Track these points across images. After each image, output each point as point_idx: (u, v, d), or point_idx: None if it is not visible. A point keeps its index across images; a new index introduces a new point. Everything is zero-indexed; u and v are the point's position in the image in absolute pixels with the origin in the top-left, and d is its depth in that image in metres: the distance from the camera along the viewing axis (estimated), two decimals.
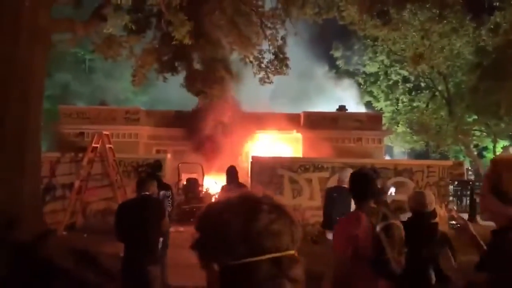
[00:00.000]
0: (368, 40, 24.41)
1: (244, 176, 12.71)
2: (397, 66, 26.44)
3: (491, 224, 2.08)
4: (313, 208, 10.42)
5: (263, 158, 11.95)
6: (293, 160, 12.92)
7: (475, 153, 24.59)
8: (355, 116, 19.87)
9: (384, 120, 23.02)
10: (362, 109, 25.93)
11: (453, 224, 2.80)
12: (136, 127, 18.54)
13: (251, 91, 17.71)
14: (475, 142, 24.45)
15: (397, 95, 27.44)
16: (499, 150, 22.50)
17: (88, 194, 11.15)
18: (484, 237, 2.26)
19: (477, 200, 11.79)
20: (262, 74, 12.50)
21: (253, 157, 11.91)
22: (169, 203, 6.95)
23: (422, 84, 26.76)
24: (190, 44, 10.37)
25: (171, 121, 18.73)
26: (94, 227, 10.26)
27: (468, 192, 15.34)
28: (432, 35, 14.74)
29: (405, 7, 11.01)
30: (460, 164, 19.94)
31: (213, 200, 9.43)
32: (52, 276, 6.06)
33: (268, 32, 12.10)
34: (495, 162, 2.13)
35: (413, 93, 27.28)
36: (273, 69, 12.44)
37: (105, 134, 11.32)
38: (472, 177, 21.02)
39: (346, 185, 5.26)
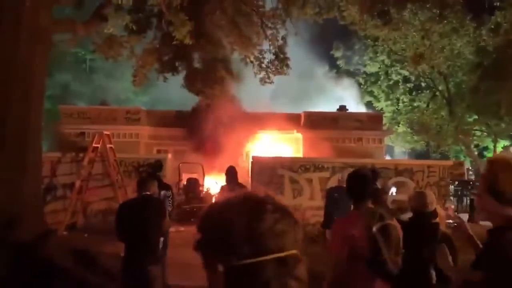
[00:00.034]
0: (369, 40, 24.41)
1: (245, 176, 12.72)
2: (397, 66, 26.43)
3: (491, 224, 2.09)
4: (314, 208, 10.43)
5: (264, 158, 11.96)
6: (294, 160, 12.93)
7: (476, 153, 24.57)
8: (355, 116, 19.87)
9: (384, 120, 23.03)
10: (362, 109, 25.94)
11: (450, 222, 2.81)
12: (137, 127, 18.56)
13: (251, 91, 17.71)
14: (475, 142, 24.43)
15: (398, 95, 27.42)
16: (499, 150, 22.49)
17: (89, 194, 11.16)
18: (483, 236, 2.26)
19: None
20: (262, 74, 12.49)
21: (253, 157, 11.92)
22: (170, 203, 6.97)
23: (423, 84, 26.74)
24: (190, 44, 10.37)
25: (171, 121, 18.75)
26: (95, 227, 10.27)
27: (469, 192, 15.35)
28: (432, 35, 14.75)
29: (406, 7, 11.01)
30: (461, 164, 19.91)
31: (213, 200, 9.45)
32: (52, 276, 6.07)
33: (269, 32, 12.10)
34: (491, 162, 2.14)
35: (414, 93, 27.26)
36: (273, 69, 12.44)
37: (106, 134, 11.34)
38: (473, 177, 21.00)
39: None
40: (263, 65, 12.47)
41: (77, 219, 10.97)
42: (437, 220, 3.88)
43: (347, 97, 26.19)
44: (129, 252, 4.91)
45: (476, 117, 22.19)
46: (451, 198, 14.29)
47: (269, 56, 12.50)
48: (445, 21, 13.47)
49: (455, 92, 23.90)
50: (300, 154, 18.22)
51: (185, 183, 14.37)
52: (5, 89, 7.04)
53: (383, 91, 28.08)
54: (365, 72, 29.36)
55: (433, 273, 3.89)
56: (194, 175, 14.89)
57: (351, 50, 30.33)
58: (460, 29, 17.40)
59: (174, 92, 19.17)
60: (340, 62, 31.24)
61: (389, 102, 27.84)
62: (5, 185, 6.80)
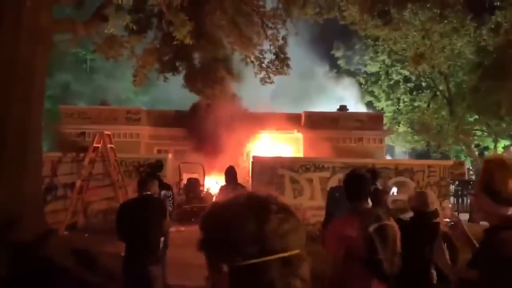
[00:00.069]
0: (369, 40, 24.42)
1: (245, 176, 12.74)
2: (398, 66, 26.44)
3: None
4: (314, 208, 10.43)
5: (264, 158, 11.96)
6: (294, 160, 12.93)
7: (476, 153, 24.56)
8: (356, 116, 19.88)
9: (385, 120, 23.04)
10: (363, 109, 25.94)
11: (448, 221, 2.81)
12: (137, 127, 18.58)
13: (252, 91, 17.72)
14: (476, 142, 24.43)
15: (398, 95, 27.43)
16: (500, 150, 22.49)
17: (90, 194, 11.17)
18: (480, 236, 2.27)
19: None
20: (263, 74, 12.49)
21: (254, 157, 11.93)
22: (170, 203, 6.98)
23: (423, 84, 26.74)
24: (191, 44, 10.37)
25: (172, 121, 18.76)
26: (96, 227, 10.29)
27: (469, 192, 15.35)
28: (433, 34, 14.73)
29: (406, 7, 11.00)
30: (461, 164, 19.93)
31: (213, 200, 9.45)
32: (53, 276, 6.07)
33: (269, 32, 12.10)
34: (487, 162, 2.15)
35: (414, 93, 27.27)
36: (274, 69, 12.44)
37: (106, 134, 11.35)
38: (473, 177, 21.00)
39: None
40: (264, 65, 12.47)
41: (78, 219, 10.98)
42: (438, 220, 3.88)
43: (348, 97, 26.20)
44: (129, 252, 4.92)
45: (476, 117, 22.19)
46: (450, 197, 14.28)
47: (269, 56, 12.51)
48: (446, 21, 13.46)
49: (455, 92, 23.91)
50: (300, 154, 18.22)
51: (185, 183, 14.38)
52: (6, 89, 7.04)
53: (383, 91, 28.09)
54: (365, 72, 29.37)
55: (434, 273, 3.89)
56: (194, 175, 14.90)
57: (352, 50, 30.33)
58: (461, 29, 17.38)
59: (174, 92, 19.17)
60: (341, 62, 31.24)
61: (389, 102, 27.85)
62: (5, 185, 6.81)
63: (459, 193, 16.31)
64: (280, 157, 13.42)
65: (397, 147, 29.26)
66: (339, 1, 11.40)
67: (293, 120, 18.93)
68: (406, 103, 27.17)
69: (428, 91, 26.71)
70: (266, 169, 11.17)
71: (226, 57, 15.17)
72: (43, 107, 7.99)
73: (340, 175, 6.94)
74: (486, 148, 26.07)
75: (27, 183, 7.15)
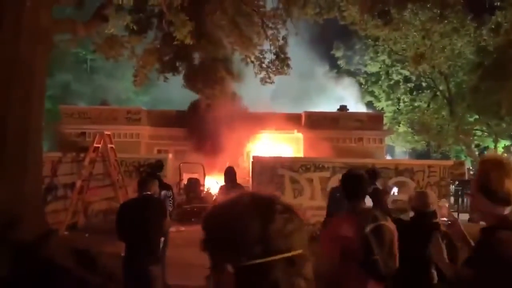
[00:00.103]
0: (369, 40, 24.44)
1: (246, 176, 12.75)
2: (398, 66, 26.46)
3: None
4: (314, 208, 10.42)
5: (264, 158, 11.96)
6: (294, 160, 12.93)
7: (477, 153, 24.56)
8: (356, 116, 19.88)
9: (385, 120, 23.05)
10: (363, 109, 25.94)
11: (444, 220, 2.81)
12: (138, 127, 18.58)
13: (252, 91, 17.73)
14: (476, 142, 24.44)
15: (398, 95, 27.45)
16: (500, 150, 22.49)
17: (90, 194, 11.17)
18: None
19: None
20: (263, 74, 12.50)
21: (254, 157, 11.93)
22: (170, 203, 6.98)
23: (423, 84, 26.76)
24: (191, 44, 10.38)
25: (172, 121, 18.76)
26: (96, 227, 10.28)
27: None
28: (433, 35, 14.74)
29: (406, 7, 11.01)
30: (461, 164, 19.91)
31: (213, 199, 9.44)
32: (53, 276, 6.07)
33: (269, 32, 12.10)
34: (483, 161, 2.15)
35: (414, 93, 27.29)
36: (274, 69, 12.44)
37: (106, 134, 11.35)
38: (474, 177, 20.98)
39: None
40: (264, 65, 12.48)
41: (78, 219, 10.98)
42: (438, 220, 3.88)
43: (348, 97, 26.21)
44: (129, 252, 4.92)
45: (476, 117, 22.20)
46: (451, 197, 14.28)
47: (269, 56, 12.51)
48: (446, 21, 13.47)
49: (455, 92, 23.92)
50: (300, 154, 18.23)
51: (185, 183, 14.38)
52: (6, 89, 7.04)
53: (383, 91, 28.10)
54: (365, 72, 29.39)
55: (434, 273, 3.89)
56: (195, 175, 14.90)
57: (352, 50, 30.34)
58: (461, 29, 17.40)
59: (174, 92, 19.20)
60: (341, 62, 31.25)
61: (389, 102, 27.86)
62: (6, 185, 6.81)
63: (459, 193, 16.31)
64: (280, 157, 13.43)
65: (397, 147, 29.27)
66: (339, 1, 11.40)
67: (293, 120, 18.94)
68: (406, 103, 27.18)
69: (428, 91, 26.73)
70: (266, 169, 11.17)
71: (226, 57, 15.19)
72: (43, 107, 7.99)
73: (340, 175, 6.93)
74: (486, 148, 26.07)
75: (27, 183, 7.15)
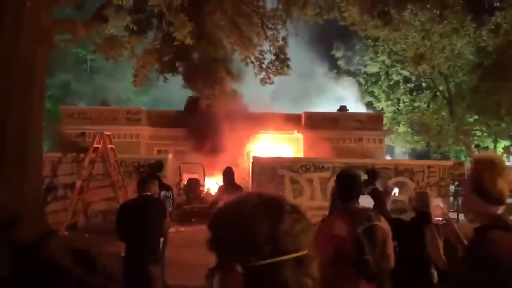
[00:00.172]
0: (369, 41, 24.47)
1: (245, 176, 12.76)
2: (398, 66, 26.48)
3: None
4: (314, 208, 10.43)
5: (264, 158, 11.98)
6: (294, 160, 12.95)
7: (476, 153, 24.56)
8: (356, 116, 19.88)
9: (385, 120, 23.06)
10: (363, 109, 25.95)
11: (439, 220, 2.82)
12: (138, 127, 18.58)
13: (252, 91, 17.73)
14: (476, 142, 24.44)
15: (398, 95, 27.47)
16: (500, 150, 22.50)
17: (90, 194, 11.19)
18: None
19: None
20: (263, 74, 12.51)
21: (254, 158, 11.95)
22: (170, 203, 6.98)
23: (423, 84, 26.79)
24: (191, 45, 10.39)
25: (172, 121, 18.76)
26: (96, 227, 10.30)
27: None
28: (433, 35, 14.77)
29: (406, 8, 11.01)
30: (461, 164, 19.91)
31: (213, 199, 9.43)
32: (53, 276, 6.08)
33: (269, 32, 12.12)
34: (476, 162, 2.16)
35: (414, 93, 27.31)
36: (274, 70, 12.46)
37: (106, 134, 11.36)
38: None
39: None
40: (264, 66, 12.49)
41: (78, 219, 10.99)
42: (433, 220, 3.89)
43: (348, 97, 26.24)
44: (129, 252, 4.92)
45: (476, 117, 22.22)
46: (450, 197, 14.29)
47: (269, 57, 12.53)
48: (445, 22, 13.50)
49: (455, 92, 23.94)
50: (300, 155, 18.23)
51: (185, 183, 14.38)
52: (6, 89, 7.05)
53: (383, 91, 28.12)
54: (365, 72, 29.41)
55: (435, 273, 3.90)
56: (194, 176, 14.90)
57: (352, 50, 30.37)
58: (460, 29, 17.44)
59: (174, 92, 19.19)
60: (341, 62, 31.28)
61: (389, 102, 27.88)
62: (6, 185, 6.82)
63: (459, 193, 16.30)
64: (280, 158, 13.45)
65: (397, 148, 29.28)
66: (339, 2, 11.41)
67: (293, 120, 18.94)
68: (406, 103, 27.20)
69: (428, 91, 26.75)
70: (266, 169, 11.19)
71: (226, 57, 15.19)
72: (43, 107, 8.00)
73: None
74: (486, 148, 26.08)
75: (27, 183, 7.16)
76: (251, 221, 1.00)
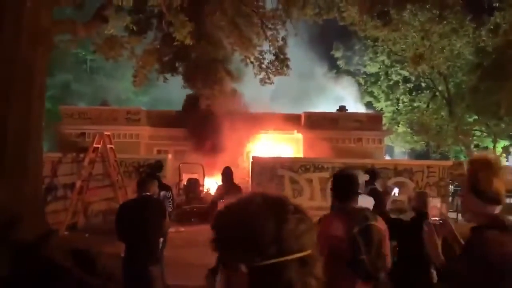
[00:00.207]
0: (369, 41, 24.47)
1: (245, 176, 12.76)
2: (397, 67, 26.48)
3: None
4: (314, 208, 10.42)
5: (264, 158, 11.99)
6: (294, 160, 12.96)
7: (476, 153, 24.57)
8: (355, 117, 19.88)
9: (384, 120, 23.05)
10: (362, 109, 25.94)
11: (436, 220, 2.83)
12: (137, 128, 18.57)
13: (252, 91, 17.73)
14: (475, 142, 24.44)
15: (398, 95, 27.47)
16: (499, 150, 22.51)
17: (90, 194, 11.19)
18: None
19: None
20: (262, 74, 12.54)
21: (253, 158, 11.96)
22: (170, 203, 6.98)
23: (423, 84, 26.79)
24: (191, 45, 10.40)
25: (172, 121, 18.74)
26: (96, 227, 10.30)
27: None
28: (432, 35, 14.81)
29: (405, 8, 11.04)
30: (460, 164, 19.90)
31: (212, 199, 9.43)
32: (53, 276, 6.09)
33: (269, 33, 12.14)
34: (472, 162, 2.19)
35: (414, 93, 27.31)
36: (273, 70, 12.48)
37: (106, 134, 11.37)
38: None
39: None
40: (263, 66, 12.52)
41: (78, 219, 10.99)
42: (430, 220, 3.90)
43: (347, 97, 26.23)
44: (129, 253, 4.93)
45: (476, 117, 22.22)
46: (450, 197, 14.29)
47: (269, 57, 12.57)
48: (445, 22, 13.53)
49: (455, 93, 23.94)
50: (300, 155, 18.23)
51: (185, 183, 14.38)
52: (6, 89, 7.06)
53: (383, 92, 28.12)
54: (365, 73, 29.41)
55: (434, 273, 3.91)
56: (194, 176, 14.89)
57: (351, 50, 30.37)
58: (460, 29, 17.45)
59: (174, 92, 19.19)
60: (340, 63, 31.27)
61: (389, 103, 27.88)
62: (6, 185, 6.83)
63: (458, 193, 16.32)
64: (280, 158, 13.45)
65: (397, 148, 29.28)
66: (338, 2, 11.43)
67: (293, 120, 18.93)
68: (406, 103, 27.20)
69: (428, 91, 26.76)
70: (266, 169, 11.20)
71: (226, 57, 15.21)
72: (43, 107, 8.01)
73: None
74: (486, 148, 26.11)
75: (27, 183, 7.17)
76: (256, 221, 1.00)
